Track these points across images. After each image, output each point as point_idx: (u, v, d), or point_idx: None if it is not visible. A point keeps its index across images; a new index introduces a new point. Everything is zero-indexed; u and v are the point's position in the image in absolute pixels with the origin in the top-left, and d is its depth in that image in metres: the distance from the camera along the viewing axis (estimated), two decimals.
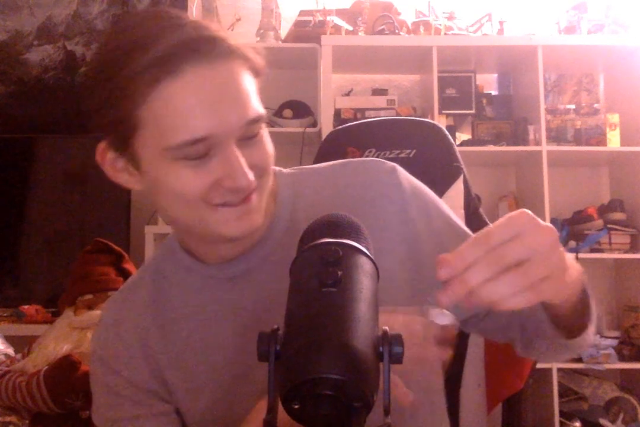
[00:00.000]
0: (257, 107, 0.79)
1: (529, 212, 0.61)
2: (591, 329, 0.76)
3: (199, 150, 0.76)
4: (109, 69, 0.77)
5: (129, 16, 0.82)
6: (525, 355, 0.88)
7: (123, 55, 0.75)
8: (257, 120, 0.79)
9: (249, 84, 0.79)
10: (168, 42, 0.74)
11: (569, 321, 0.76)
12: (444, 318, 0.59)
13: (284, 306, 0.86)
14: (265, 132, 0.83)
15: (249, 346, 0.86)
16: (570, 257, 0.66)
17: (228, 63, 0.77)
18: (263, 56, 0.84)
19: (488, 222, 1.30)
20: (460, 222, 0.96)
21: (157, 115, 0.75)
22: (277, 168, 0.96)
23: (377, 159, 0.98)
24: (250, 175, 0.78)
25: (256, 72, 0.82)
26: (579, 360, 2.76)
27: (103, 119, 0.79)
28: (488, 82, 3.28)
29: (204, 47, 0.75)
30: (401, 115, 2.92)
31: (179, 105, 0.75)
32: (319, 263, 0.52)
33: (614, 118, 2.96)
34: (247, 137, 0.79)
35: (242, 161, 0.77)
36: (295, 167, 0.98)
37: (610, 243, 2.91)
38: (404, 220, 0.90)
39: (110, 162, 0.83)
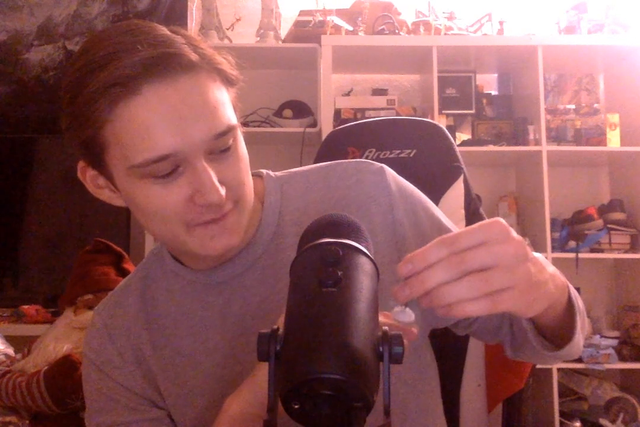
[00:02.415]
0: (226, 118, 0.77)
1: (503, 221, 0.61)
2: (576, 340, 0.75)
3: (165, 168, 0.75)
4: (72, 90, 0.77)
5: (98, 33, 0.81)
6: (515, 358, 0.88)
7: (83, 76, 0.75)
8: (225, 132, 0.76)
9: (218, 95, 0.77)
10: (125, 62, 0.73)
11: (553, 332, 0.76)
12: (404, 316, 0.59)
13: (271, 311, 0.86)
14: (240, 144, 0.81)
15: (238, 351, 0.87)
16: (552, 271, 0.65)
17: (190, 77, 0.75)
18: (234, 64, 0.82)
19: None
20: (451, 224, 0.95)
21: (119, 135, 0.75)
22: (265, 171, 0.96)
23: (365, 160, 0.96)
24: (222, 191, 0.76)
25: (229, 81, 0.81)
26: (579, 360, 2.76)
27: (73, 139, 0.79)
28: (488, 82, 3.28)
29: (162, 65, 0.74)
30: (401, 115, 2.92)
31: (140, 124, 0.74)
32: (319, 263, 0.52)
33: (614, 118, 2.96)
34: (219, 150, 0.77)
35: (212, 176, 0.75)
36: (284, 171, 0.97)
37: (610, 243, 2.91)
38: (391, 222, 0.89)
39: (92, 180, 0.84)
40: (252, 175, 0.92)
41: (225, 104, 0.78)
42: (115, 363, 0.90)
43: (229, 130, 0.77)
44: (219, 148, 0.77)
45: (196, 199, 0.76)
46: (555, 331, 0.75)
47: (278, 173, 0.97)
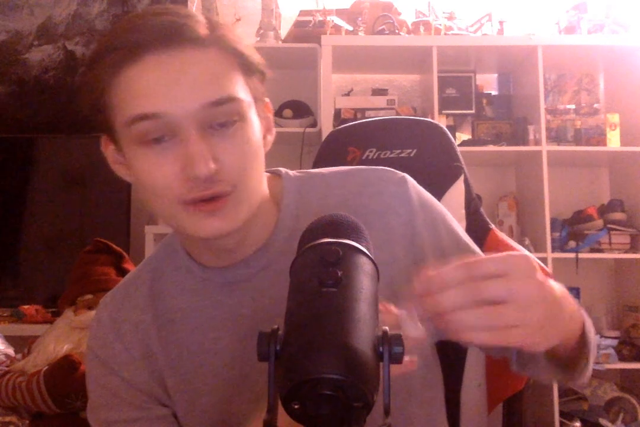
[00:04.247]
0: (228, 89, 0.76)
1: (532, 257, 0.60)
2: (588, 369, 0.75)
3: (151, 129, 0.74)
4: (89, 65, 0.79)
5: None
6: (520, 374, 0.87)
7: (98, 50, 0.78)
8: (223, 102, 0.75)
9: (224, 71, 0.77)
10: (133, 32, 0.75)
11: (562, 359, 0.75)
12: (414, 330, 0.59)
13: (281, 314, 0.85)
14: (250, 127, 0.79)
15: (247, 352, 0.86)
16: (570, 305, 0.64)
17: (197, 52, 0.75)
18: (252, 50, 0.81)
19: (489, 222, 1.30)
20: (469, 239, 0.94)
21: (120, 100, 0.76)
22: (284, 170, 0.93)
23: (388, 168, 0.93)
24: (212, 165, 0.73)
25: (248, 68, 0.80)
26: None
27: (89, 112, 0.80)
28: (488, 82, 3.28)
29: (169, 35, 0.74)
30: (401, 115, 2.91)
31: (136, 87, 0.75)
32: (319, 263, 0.52)
33: (614, 118, 2.96)
34: (217, 124, 0.76)
35: (203, 148, 0.74)
36: (303, 171, 0.95)
37: (610, 243, 2.91)
38: (410, 233, 0.87)
39: (111, 154, 0.84)
40: (270, 172, 0.91)
41: (232, 79, 0.77)
42: (122, 358, 0.89)
43: (229, 101, 0.75)
44: (215, 120, 0.75)
45: (186, 172, 0.75)
46: (564, 357, 0.74)
47: (296, 173, 0.94)
